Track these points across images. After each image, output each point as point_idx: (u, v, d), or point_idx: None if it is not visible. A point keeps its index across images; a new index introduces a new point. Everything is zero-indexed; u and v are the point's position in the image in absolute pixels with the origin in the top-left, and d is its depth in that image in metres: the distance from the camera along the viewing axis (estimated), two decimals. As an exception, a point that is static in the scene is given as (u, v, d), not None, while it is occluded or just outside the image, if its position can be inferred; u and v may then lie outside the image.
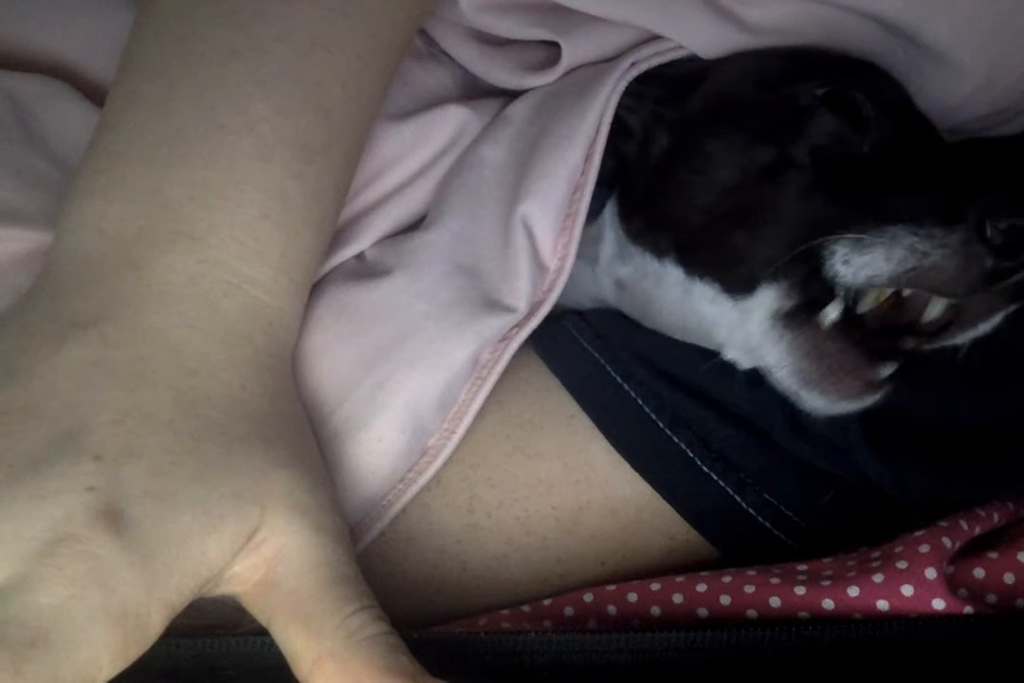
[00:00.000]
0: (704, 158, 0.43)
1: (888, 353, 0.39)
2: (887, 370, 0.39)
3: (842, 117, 0.41)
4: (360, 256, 0.43)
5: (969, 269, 0.36)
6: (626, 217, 0.46)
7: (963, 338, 0.40)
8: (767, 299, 0.39)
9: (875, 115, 0.41)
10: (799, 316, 0.39)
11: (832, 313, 0.38)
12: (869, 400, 0.39)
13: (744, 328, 0.40)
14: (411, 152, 0.45)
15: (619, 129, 0.44)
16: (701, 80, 0.45)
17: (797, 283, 0.39)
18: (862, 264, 0.37)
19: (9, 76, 0.44)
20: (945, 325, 0.39)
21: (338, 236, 0.42)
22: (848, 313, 0.39)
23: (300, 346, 0.39)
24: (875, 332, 0.39)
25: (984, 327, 0.40)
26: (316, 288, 0.40)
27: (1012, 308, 0.39)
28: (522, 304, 0.42)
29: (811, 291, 0.39)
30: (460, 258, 0.42)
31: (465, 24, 0.46)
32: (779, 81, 0.43)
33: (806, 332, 0.39)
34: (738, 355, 0.41)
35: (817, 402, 0.39)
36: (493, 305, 0.41)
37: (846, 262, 0.38)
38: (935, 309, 0.39)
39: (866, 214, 0.38)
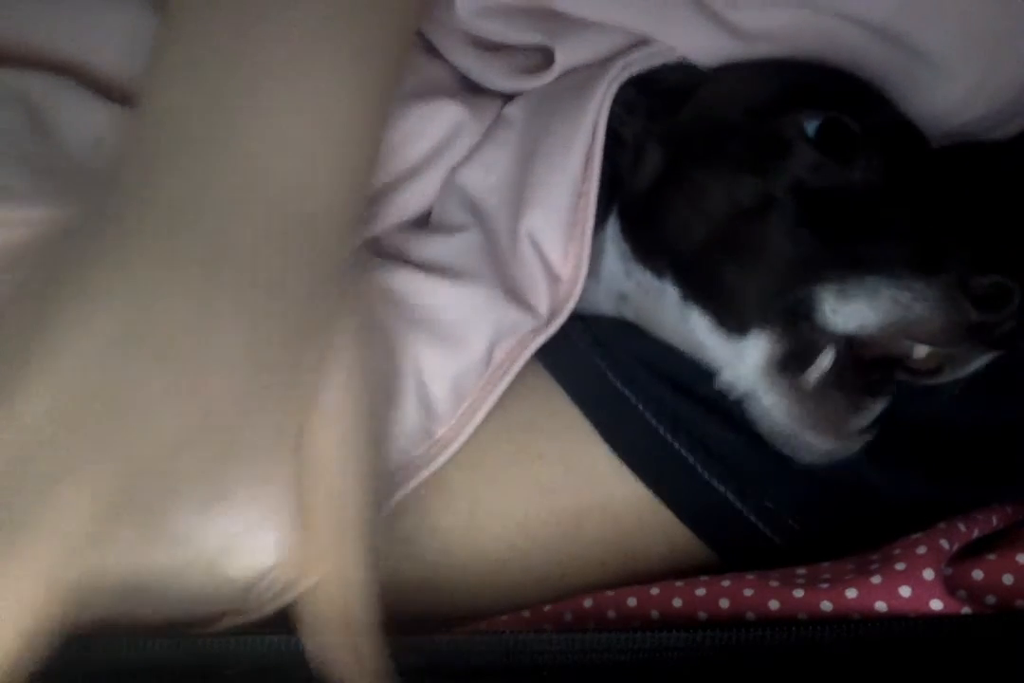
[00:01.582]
0: (693, 186, 0.43)
1: (881, 385, 0.39)
2: (878, 407, 0.39)
3: (829, 150, 0.41)
4: (375, 241, 0.43)
5: (952, 322, 0.36)
6: (625, 233, 0.46)
7: (949, 377, 0.39)
8: (760, 343, 0.39)
9: (865, 144, 0.41)
10: (792, 362, 0.39)
11: (824, 361, 0.38)
12: (859, 444, 0.39)
13: (738, 366, 0.40)
14: (407, 145, 0.44)
15: (615, 139, 0.44)
16: (691, 94, 0.45)
17: (788, 329, 0.39)
18: (850, 313, 0.37)
19: (19, 74, 0.44)
20: (936, 368, 0.39)
21: None
22: (841, 357, 0.38)
23: None
24: (872, 363, 0.39)
25: (966, 370, 0.39)
26: None
27: (992, 355, 0.39)
28: (543, 308, 0.42)
29: (802, 337, 0.39)
30: (478, 255, 0.42)
31: (461, 28, 0.47)
32: (767, 108, 0.43)
33: (799, 379, 0.38)
34: (731, 385, 0.40)
35: (810, 444, 0.39)
36: (515, 298, 0.41)
37: (834, 311, 0.38)
38: (921, 350, 0.39)
39: (847, 261, 0.38)
